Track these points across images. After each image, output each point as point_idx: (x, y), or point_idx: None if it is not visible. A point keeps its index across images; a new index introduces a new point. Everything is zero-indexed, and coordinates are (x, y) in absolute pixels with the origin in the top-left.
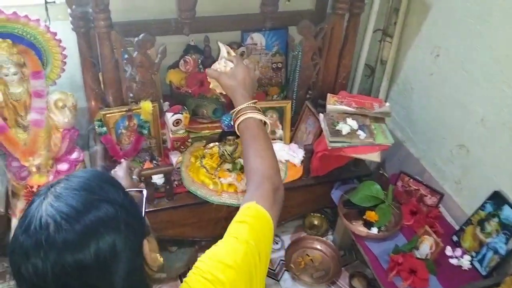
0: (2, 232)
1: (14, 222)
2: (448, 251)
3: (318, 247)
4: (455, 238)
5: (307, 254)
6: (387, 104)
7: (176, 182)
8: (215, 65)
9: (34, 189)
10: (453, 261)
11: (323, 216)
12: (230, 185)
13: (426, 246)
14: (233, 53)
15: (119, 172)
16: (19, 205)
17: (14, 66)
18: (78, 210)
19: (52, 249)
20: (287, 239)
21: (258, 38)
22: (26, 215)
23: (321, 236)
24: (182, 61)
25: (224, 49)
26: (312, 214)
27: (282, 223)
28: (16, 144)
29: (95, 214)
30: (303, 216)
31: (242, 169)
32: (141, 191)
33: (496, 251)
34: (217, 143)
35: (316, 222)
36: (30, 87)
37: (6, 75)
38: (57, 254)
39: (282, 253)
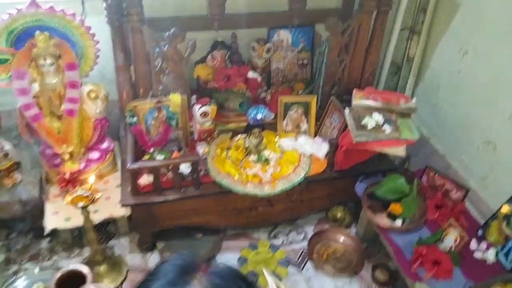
0: (36, 215)
1: (48, 207)
2: (473, 244)
3: (341, 239)
4: (480, 232)
5: (329, 246)
6: (414, 99)
7: (202, 172)
8: None
9: (67, 176)
10: (478, 255)
11: (346, 209)
12: (254, 175)
13: (450, 239)
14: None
15: None
16: (52, 190)
17: (51, 57)
18: None
19: None
20: (310, 231)
21: (284, 35)
22: None
23: (344, 229)
24: (209, 57)
25: (273, 285)
26: (335, 207)
27: (306, 215)
28: (51, 132)
29: None
30: (327, 209)
31: (267, 161)
32: None
33: None
34: (242, 136)
35: (339, 215)
36: (65, 78)
37: (43, 66)
38: None
39: (305, 243)
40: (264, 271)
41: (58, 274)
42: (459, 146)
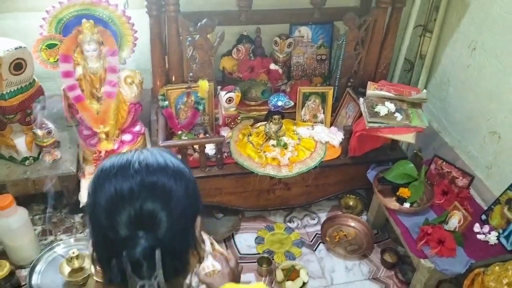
0: (72, 191)
1: (83, 183)
2: (476, 228)
3: (352, 224)
4: (483, 217)
5: (341, 230)
6: (424, 90)
7: (225, 154)
8: (203, 265)
9: (102, 154)
10: (481, 237)
11: (358, 198)
12: (273, 158)
13: (455, 220)
14: (216, 245)
15: None
16: (88, 168)
17: (95, 43)
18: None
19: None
20: (323, 217)
21: (305, 31)
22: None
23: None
24: (235, 50)
25: (208, 242)
26: (348, 195)
27: (320, 200)
28: (90, 113)
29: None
30: (340, 197)
31: (285, 145)
32: None
33: None
34: (263, 123)
35: (351, 203)
36: (105, 63)
37: (87, 51)
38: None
39: (318, 227)
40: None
41: None
42: (466, 138)
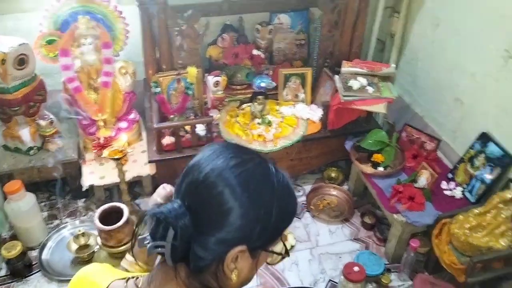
0: (74, 177)
1: (84, 169)
2: (443, 185)
3: (334, 193)
4: (450, 175)
5: (324, 199)
6: (393, 65)
7: (215, 134)
8: None
9: (101, 141)
10: (447, 192)
11: (339, 169)
12: (259, 135)
13: (423, 179)
14: None
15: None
16: (88, 156)
17: (91, 38)
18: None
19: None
20: (308, 188)
21: (284, 19)
22: None
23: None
24: (220, 38)
25: None
26: (330, 168)
27: (304, 173)
28: (88, 102)
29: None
30: (322, 171)
31: (269, 123)
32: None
33: (482, 181)
34: (249, 104)
35: (333, 175)
36: (101, 55)
37: (84, 45)
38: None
39: (303, 198)
40: None
41: (101, 209)
42: (434, 107)
